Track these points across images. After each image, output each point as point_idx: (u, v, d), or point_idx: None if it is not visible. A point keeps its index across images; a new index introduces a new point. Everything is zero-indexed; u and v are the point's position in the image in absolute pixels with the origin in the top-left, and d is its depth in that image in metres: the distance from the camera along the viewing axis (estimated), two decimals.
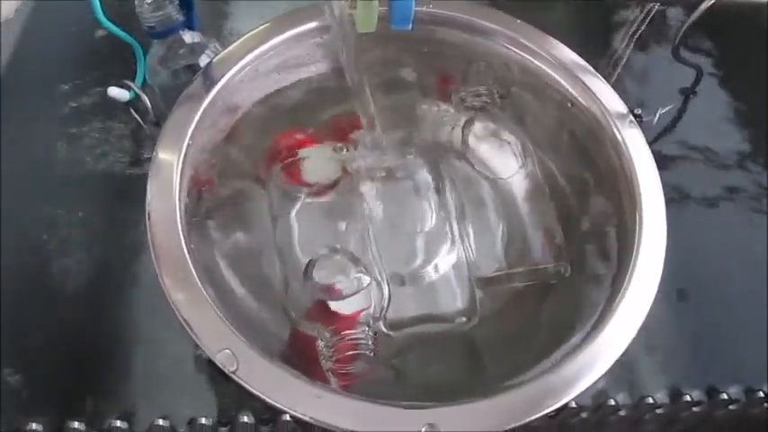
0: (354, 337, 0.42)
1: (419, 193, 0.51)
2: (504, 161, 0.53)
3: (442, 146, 0.55)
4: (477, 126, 0.54)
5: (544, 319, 0.49)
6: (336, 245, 0.47)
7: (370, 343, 0.42)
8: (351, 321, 0.43)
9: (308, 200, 0.51)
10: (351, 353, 0.42)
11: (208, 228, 0.47)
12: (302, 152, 0.52)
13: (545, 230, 0.51)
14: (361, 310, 0.44)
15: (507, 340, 0.48)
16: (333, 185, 0.52)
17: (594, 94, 0.52)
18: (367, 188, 0.50)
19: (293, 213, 0.51)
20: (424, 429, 0.37)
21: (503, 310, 0.49)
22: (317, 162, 0.52)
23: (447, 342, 0.48)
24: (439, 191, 0.51)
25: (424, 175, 0.52)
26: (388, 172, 0.51)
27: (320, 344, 0.43)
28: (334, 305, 0.43)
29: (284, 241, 0.49)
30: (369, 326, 0.43)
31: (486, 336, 0.48)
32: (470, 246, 0.51)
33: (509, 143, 0.53)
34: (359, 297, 0.44)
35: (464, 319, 0.47)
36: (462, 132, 0.54)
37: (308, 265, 0.44)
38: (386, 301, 0.45)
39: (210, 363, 0.39)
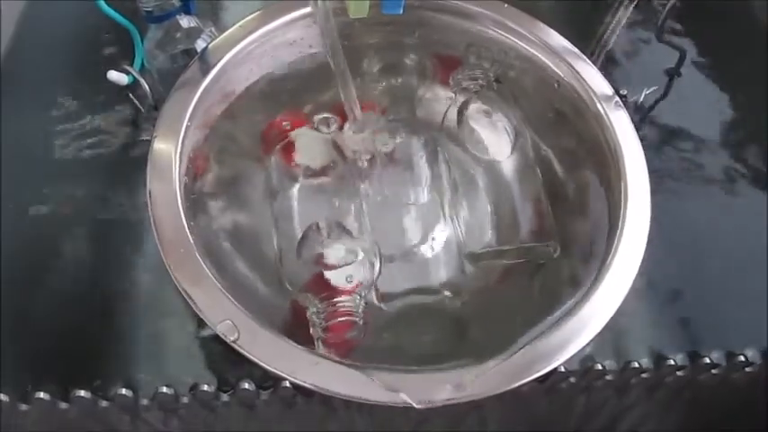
0: (345, 305, 0.43)
1: (414, 173, 0.52)
2: (498, 143, 0.54)
3: (437, 127, 0.56)
4: (472, 108, 0.55)
5: (534, 295, 0.50)
6: (330, 218, 0.48)
7: (360, 311, 0.43)
8: (343, 292, 0.45)
9: (307, 180, 0.53)
10: (341, 319, 0.43)
11: (207, 204, 0.49)
12: (293, 134, 0.53)
13: (535, 210, 0.52)
14: (357, 284, 0.45)
15: (496, 315, 0.49)
16: (326, 168, 0.53)
17: (581, 75, 0.53)
18: (364, 168, 0.52)
19: (293, 191, 0.52)
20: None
21: (492, 286, 0.50)
22: (308, 145, 0.53)
23: (438, 316, 0.49)
24: (433, 170, 0.53)
25: (420, 155, 0.53)
26: (384, 152, 0.52)
27: (310, 312, 0.44)
28: (329, 275, 0.45)
29: (283, 216, 0.50)
30: (360, 296, 0.44)
31: (475, 310, 0.49)
32: (461, 223, 0.52)
33: (503, 125, 0.54)
34: (353, 270, 0.45)
35: (450, 293, 0.48)
36: (458, 114, 0.55)
37: (302, 237, 0.46)
38: (376, 274, 0.47)
39: (211, 340, 0.41)
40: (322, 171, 0.53)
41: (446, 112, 0.55)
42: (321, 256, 0.45)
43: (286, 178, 0.52)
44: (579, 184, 0.53)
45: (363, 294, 0.45)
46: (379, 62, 0.57)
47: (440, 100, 0.57)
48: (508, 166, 0.54)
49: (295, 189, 0.52)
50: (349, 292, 0.44)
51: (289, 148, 0.53)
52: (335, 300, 0.43)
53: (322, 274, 0.44)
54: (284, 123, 0.54)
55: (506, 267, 0.51)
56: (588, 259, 0.47)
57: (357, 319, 0.43)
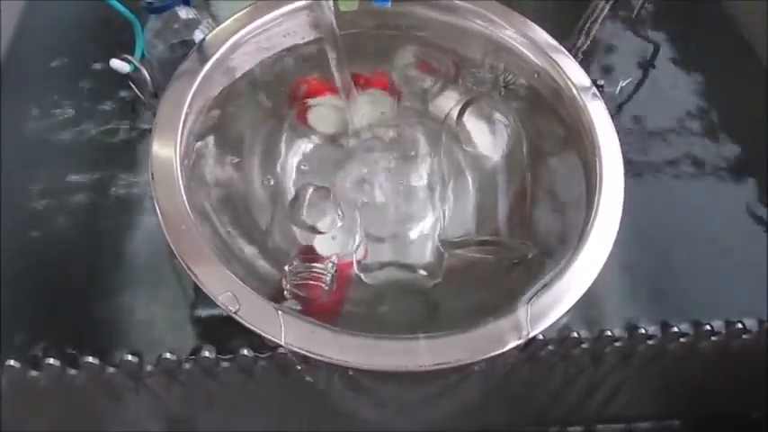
0: (317, 270, 0.46)
1: (414, 160, 0.55)
2: (491, 144, 0.56)
3: (438, 119, 0.58)
4: (473, 108, 0.56)
5: (508, 283, 0.50)
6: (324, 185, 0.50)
7: (329, 279, 0.46)
8: (318, 258, 0.48)
9: (312, 146, 0.55)
10: (312, 282, 0.46)
11: (206, 183, 0.51)
12: (312, 100, 0.55)
13: (517, 212, 0.53)
14: (332, 253, 0.48)
15: (468, 295, 0.50)
16: (336, 138, 0.55)
17: (561, 68, 0.56)
18: (366, 147, 0.55)
19: (295, 157, 0.55)
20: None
21: (466, 271, 0.52)
22: (324, 111, 0.55)
23: (413, 292, 0.50)
24: (431, 160, 0.55)
25: (422, 145, 0.56)
26: (388, 136, 0.55)
27: (287, 268, 0.47)
28: (316, 244, 0.48)
29: (283, 179, 0.53)
30: (333, 263, 0.47)
31: (448, 290, 0.50)
32: (446, 213, 0.54)
33: (501, 128, 0.56)
34: (331, 238, 0.49)
35: (425, 273, 0.50)
36: (459, 112, 0.56)
37: (294, 197, 0.49)
38: (354, 247, 0.50)
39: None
40: (331, 139, 0.55)
41: (450, 108, 0.57)
42: (307, 218, 0.48)
43: (294, 139, 0.55)
44: (560, 170, 0.56)
45: (335, 262, 0.47)
46: (408, 54, 0.59)
47: (448, 97, 0.59)
48: (499, 166, 0.55)
49: (299, 154, 0.55)
50: (323, 260, 0.47)
51: (306, 112, 0.55)
52: (309, 264, 0.46)
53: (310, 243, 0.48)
54: (311, 85, 0.56)
55: (484, 263, 0.52)
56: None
57: (325, 285, 0.46)
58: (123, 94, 0.59)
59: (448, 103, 0.58)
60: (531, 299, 0.44)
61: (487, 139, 0.56)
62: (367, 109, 0.56)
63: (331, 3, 0.50)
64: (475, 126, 0.56)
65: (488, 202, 0.54)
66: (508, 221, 0.52)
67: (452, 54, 0.59)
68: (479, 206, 0.54)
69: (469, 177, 0.56)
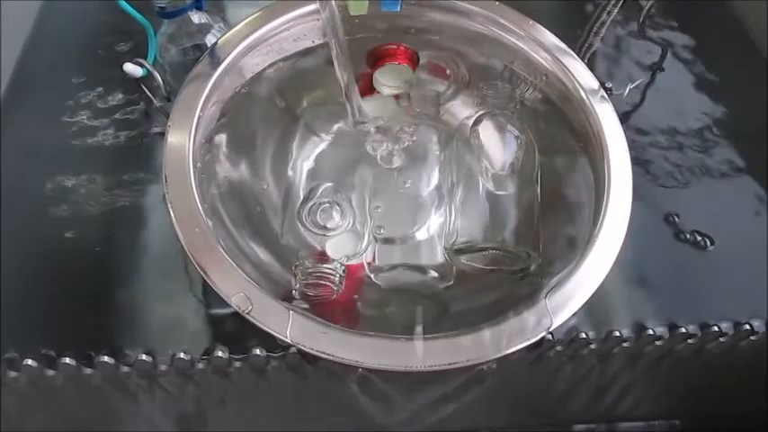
0: (327, 269, 0.47)
1: (426, 164, 0.55)
2: (502, 157, 0.56)
3: (450, 124, 0.59)
4: (487, 120, 0.56)
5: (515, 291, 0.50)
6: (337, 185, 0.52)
7: (337, 279, 0.47)
8: (327, 258, 0.49)
9: (323, 147, 0.56)
10: (321, 282, 0.47)
11: (219, 184, 0.52)
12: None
13: (526, 224, 0.53)
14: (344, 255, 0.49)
15: (478, 299, 0.51)
16: (347, 139, 0.56)
17: (569, 70, 0.56)
18: (380, 149, 0.55)
19: (307, 158, 0.56)
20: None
21: (478, 278, 0.52)
22: (391, 73, 0.57)
23: (423, 294, 0.51)
24: (442, 165, 0.56)
25: (434, 149, 0.56)
26: (403, 138, 0.56)
27: (297, 268, 0.47)
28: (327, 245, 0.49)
29: (292, 180, 0.54)
30: (341, 264, 0.48)
31: (458, 292, 0.51)
32: (453, 218, 0.53)
33: (513, 141, 0.56)
34: (341, 239, 0.50)
35: (436, 274, 0.50)
36: (473, 123, 0.56)
37: (305, 196, 0.50)
38: (363, 248, 0.50)
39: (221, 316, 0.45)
40: (342, 141, 0.56)
41: (465, 117, 0.57)
42: (316, 219, 0.49)
43: (308, 140, 0.56)
44: (569, 173, 0.56)
45: (343, 262, 0.48)
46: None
47: (462, 103, 0.59)
48: (510, 178, 0.55)
49: (311, 155, 0.56)
50: (332, 260, 0.48)
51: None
52: (318, 264, 0.47)
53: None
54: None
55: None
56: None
57: (333, 286, 0.47)
58: (136, 97, 0.59)
59: (461, 109, 0.59)
60: (548, 293, 0.44)
61: (499, 150, 0.56)
62: (388, 79, 0.57)
63: (333, 3, 0.50)
64: (488, 136, 0.56)
65: (497, 213, 0.54)
66: (515, 232, 0.52)
67: (465, 59, 0.59)
68: (488, 215, 0.54)
69: (479, 186, 0.55)
